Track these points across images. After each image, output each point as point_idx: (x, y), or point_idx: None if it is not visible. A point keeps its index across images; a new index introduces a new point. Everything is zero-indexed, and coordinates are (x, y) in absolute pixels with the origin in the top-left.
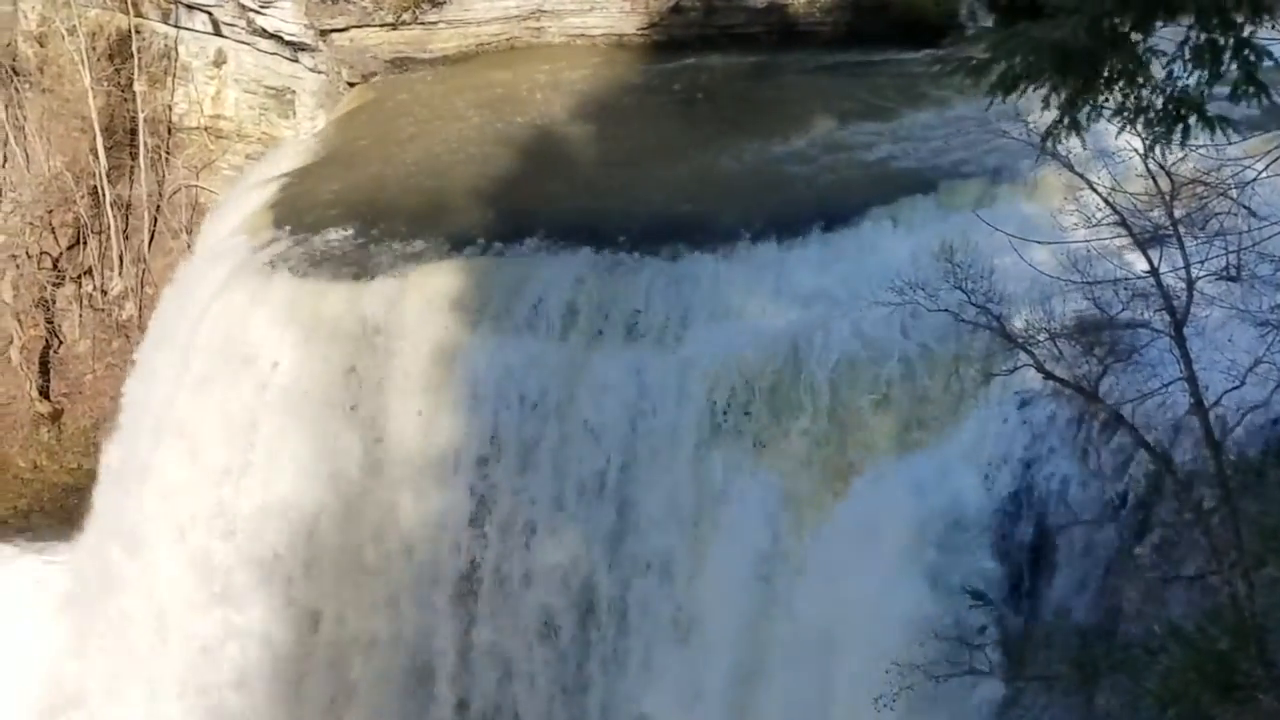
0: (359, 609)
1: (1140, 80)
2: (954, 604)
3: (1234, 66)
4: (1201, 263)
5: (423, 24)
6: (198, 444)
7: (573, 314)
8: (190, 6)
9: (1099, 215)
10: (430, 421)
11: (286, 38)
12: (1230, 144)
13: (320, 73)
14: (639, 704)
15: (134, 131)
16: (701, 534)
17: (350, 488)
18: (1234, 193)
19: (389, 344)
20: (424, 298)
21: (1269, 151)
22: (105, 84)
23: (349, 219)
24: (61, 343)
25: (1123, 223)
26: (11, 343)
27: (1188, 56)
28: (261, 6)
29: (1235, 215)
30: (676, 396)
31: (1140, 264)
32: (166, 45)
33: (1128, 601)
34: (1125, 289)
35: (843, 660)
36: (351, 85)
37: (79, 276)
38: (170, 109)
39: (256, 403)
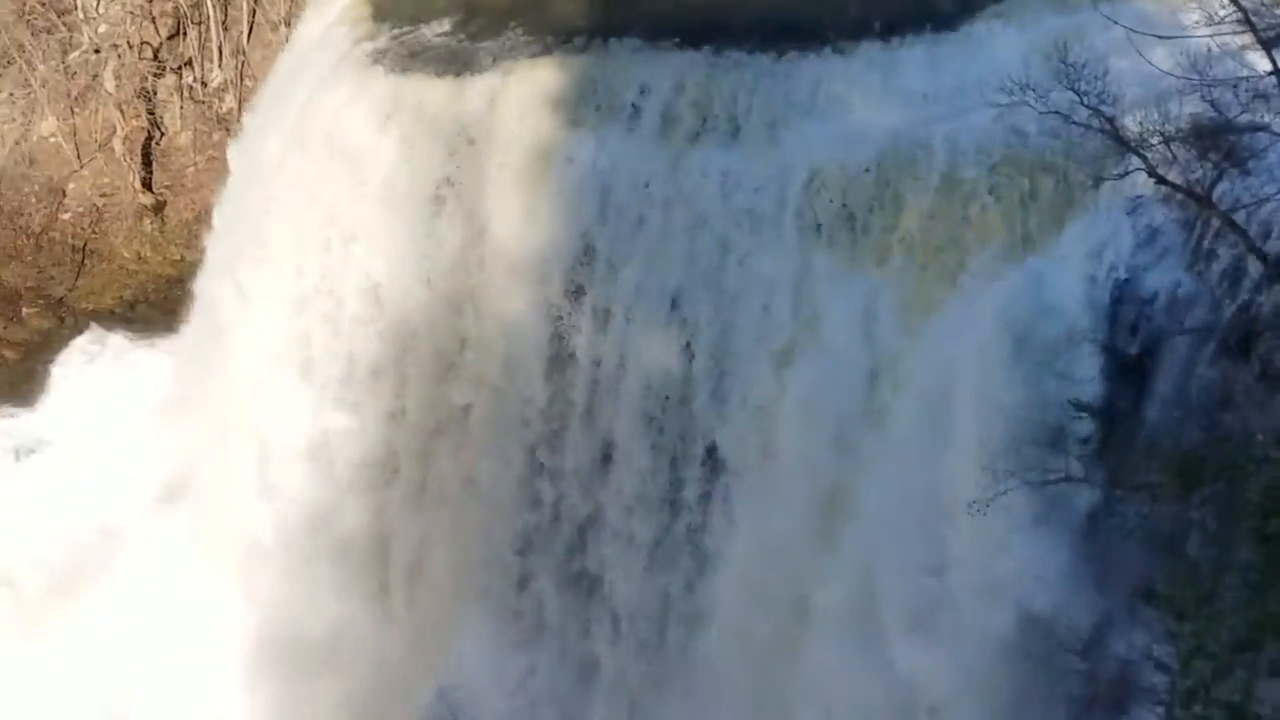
0: (452, 391)
1: None
2: (1055, 411)
3: None
4: None
5: None
6: (297, 238)
7: (674, 112)
8: None
9: (1222, 13)
10: (528, 216)
11: None
12: None
13: None
14: (731, 505)
15: None
16: (800, 333)
17: (446, 281)
18: None
19: (488, 140)
20: (524, 94)
21: None
22: None
23: (449, 12)
24: (163, 135)
25: (1246, 21)
26: (114, 134)
27: None
28: None
29: None
30: (778, 196)
31: (1263, 64)
32: None
33: (1230, 412)
34: (1245, 90)
35: (940, 468)
36: None
37: (179, 68)
38: None
39: (355, 196)
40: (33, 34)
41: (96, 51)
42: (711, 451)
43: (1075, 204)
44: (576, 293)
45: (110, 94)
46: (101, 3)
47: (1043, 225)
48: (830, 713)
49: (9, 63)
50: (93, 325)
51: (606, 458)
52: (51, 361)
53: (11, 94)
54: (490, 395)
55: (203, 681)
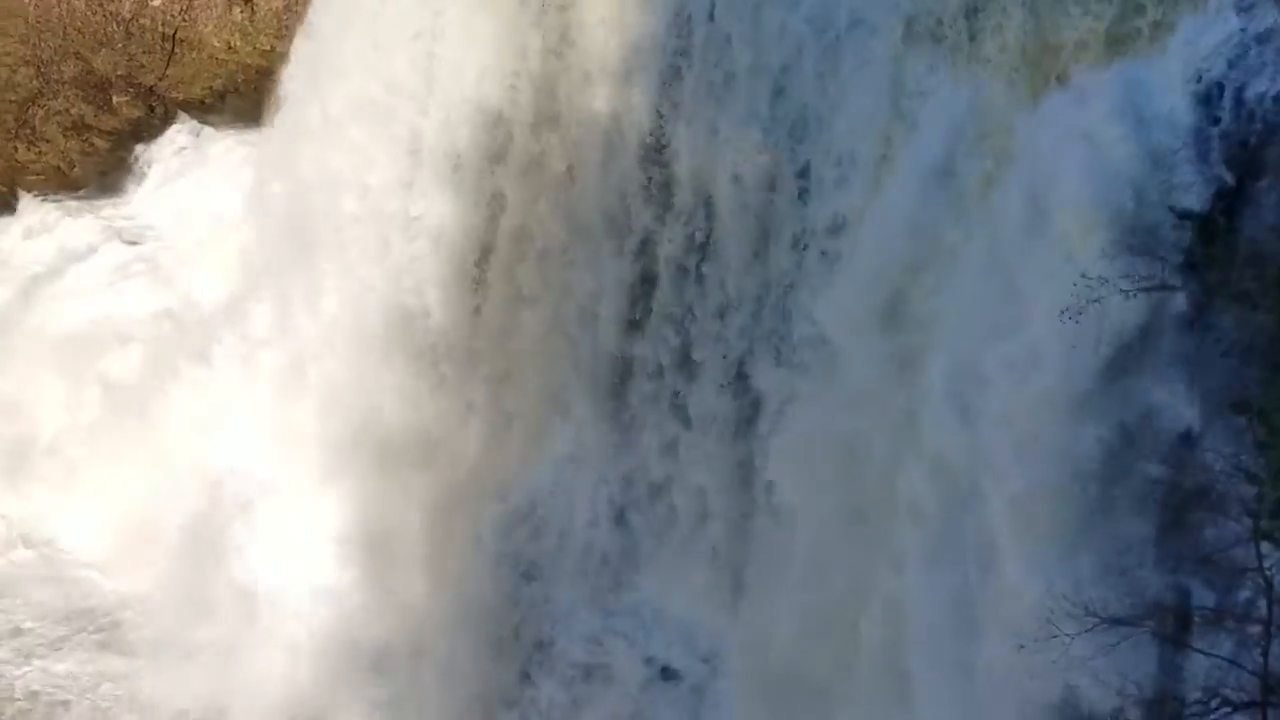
0: (540, 201)
1: None
2: (1153, 218)
3: None
4: None
5: None
6: (382, 33)
7: None
8: None
9: None
10: (619, 17)
11: None
12: None
13: None
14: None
15: None
16: (898, 133)
17: (545, 78)
18: None
19: None
20: None
21: None
22: None
23: None
24: None
25: None
26: None
27: None
28: None
29: None
30: None
31: None
32: None
33: None
34: None
35: (1029, 268)
36: None
37: None
38: None
39: None
40: None
41: None
42: (801, 239)
43: (1184, 5)
44: (673, 79)
45: None
46: None
47: (1148, 25)
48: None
49: None
50: (182, 115)
51: (701, 248)
52: (143, 151)
53: None
54: (585, 188)
55: (287, 471)
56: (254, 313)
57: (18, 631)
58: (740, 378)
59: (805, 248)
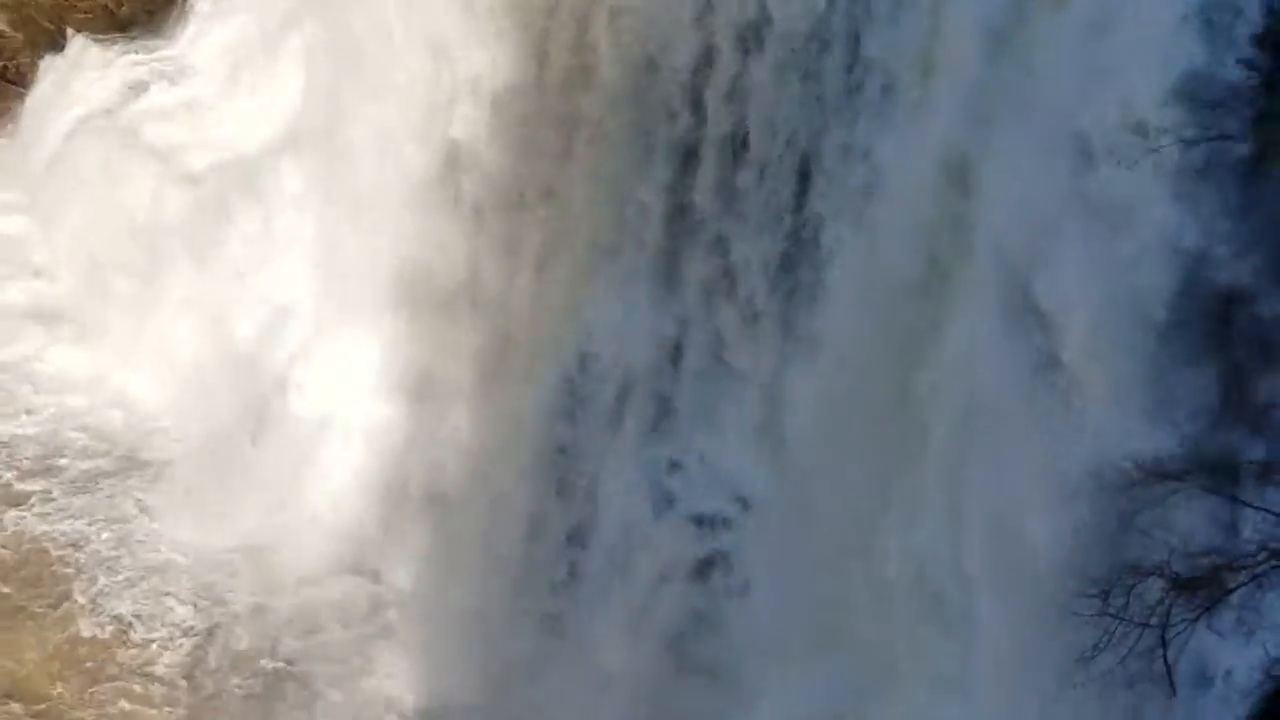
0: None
1: None
2: (1217, 68)
3: None
4: None
5: None
6: None
7: None
8: None
9: None
10: None
11: None
12: None
13: None
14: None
15: None
16: None
17: None
18: None
19: None
20: None
21: None
22: None
23: None
24: None
25: None
26: None
27: None
28: None
29: None
30: None
31: None
32: None
33: None
34: None
35: (1091, 139)
36: None
37: None
38: None
39: None
40: None
41: None
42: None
43: None
44: None
45: None
46: None
47: None
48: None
49: None
50: None
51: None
52: None
53: None
54: (625, 71)
55: (337, 312)
56: (303, 154)
57: (61, 470)
58: (796, 212)
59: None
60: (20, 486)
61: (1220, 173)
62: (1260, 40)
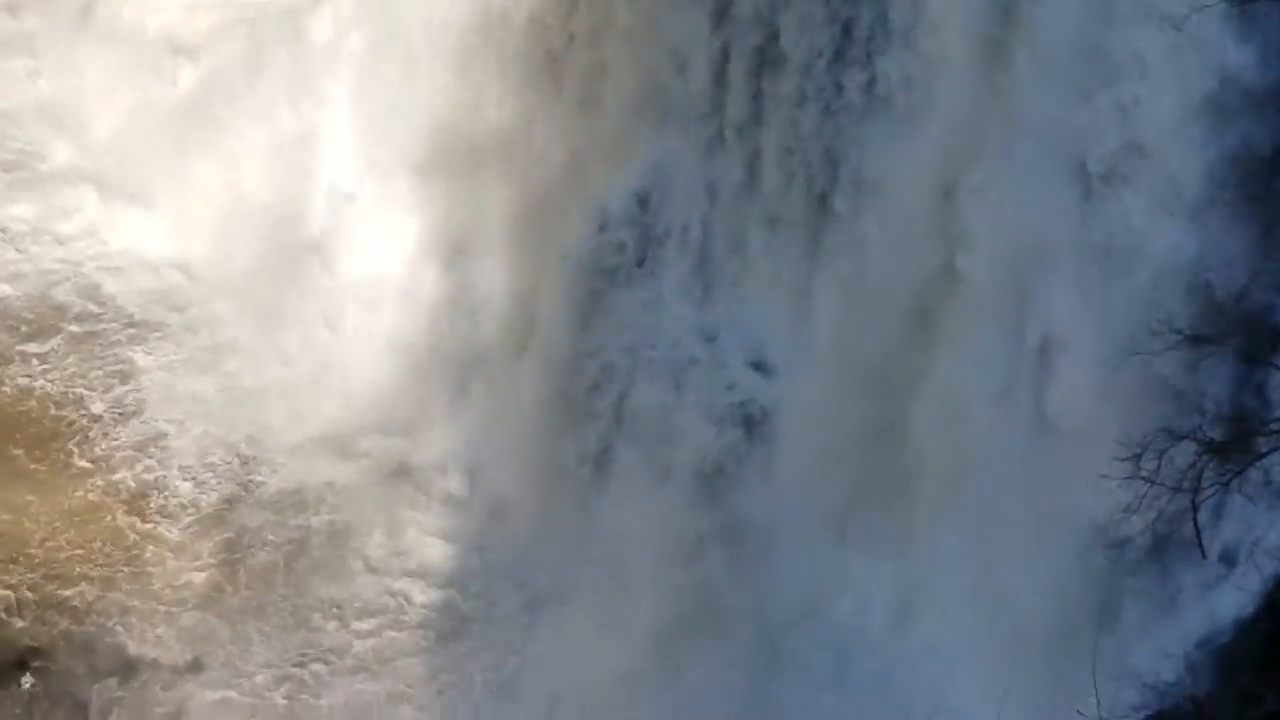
0: None
1: None
2: None
3: None
4: None
5: None
6: None
7: None
8: None
9: None
10: None
11: None
12: None
13: None
14: None
15: None
16: None
17: None
18: None
19: None
20: None
21: None
22: None
23: None
24: None
25: None
26: None
27: None
28: None
29: None
30: None
31: None
32: None
33: None
34: None
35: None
36: None
37: None
38: None
39: None
40: None
41: None
42: None
43: None
44: None
45: None
46: None
47: None
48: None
49: None
50: None
51: None
52: None
53: None
54: None
55: (375, 168)
56: (342, 5)
57: (99, 318)
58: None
59: None
60: (33, 345)
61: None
62: None
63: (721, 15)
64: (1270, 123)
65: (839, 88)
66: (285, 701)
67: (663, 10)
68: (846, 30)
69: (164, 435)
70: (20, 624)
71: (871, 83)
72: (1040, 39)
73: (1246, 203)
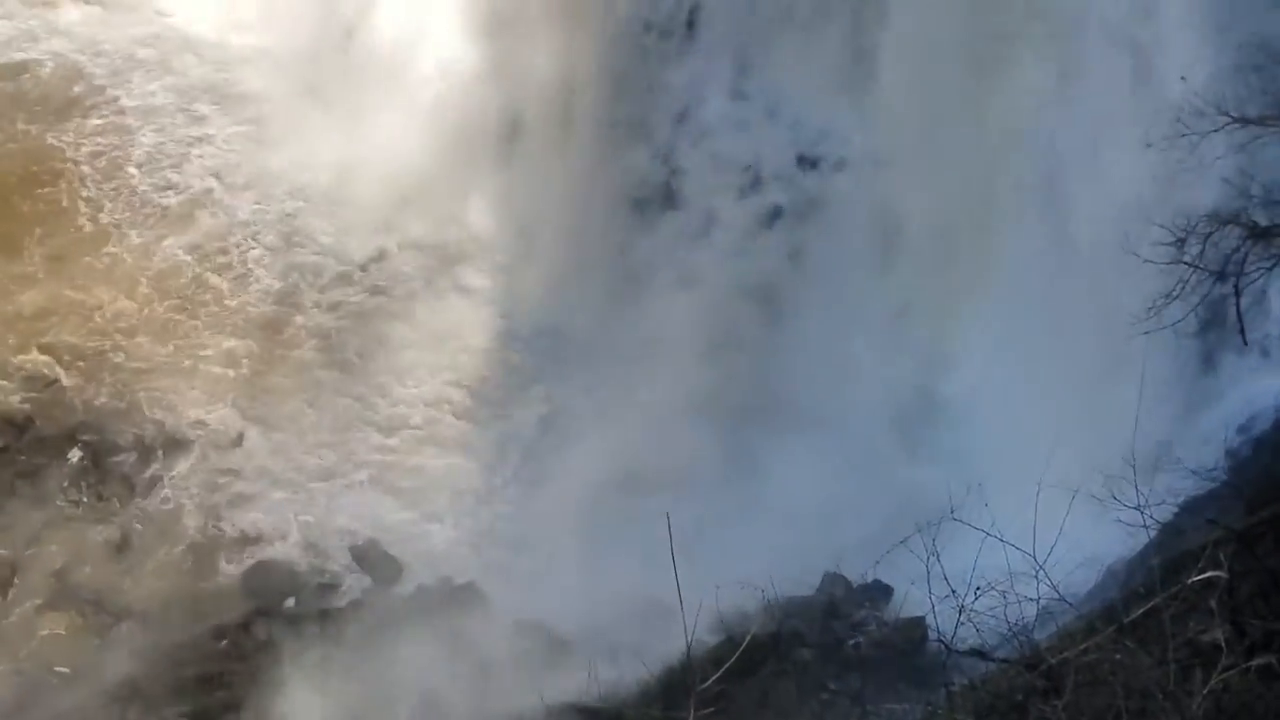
0: None
1: None
2: None
3: None
4: None
5: None
6: None
7: None
8: None
9: None
10: None
11: None
12: None
13: None
14: None
15: None
16: None
17: None
18: None
19: None
20: None
21: None
22: None
23: None
24: None
25: None
26: None
27: None
28: None
29: None
30: None
31: None
32: None
33: None
34: None
35: None
36: None
37: None
38: None
39: None
40: None
41: None
42: None
43: None
44: None
45: None
46: None
47: None
48: None
49: None
50: None
51: None
52: None
53: None
54: None
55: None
56: None
57: (156, 108)
58: None
59: None
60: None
61: None
62: None
63: None
64: None
65: None
66: (324, 482)
67: None
68: None
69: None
70: (72, 385)
71: None
72: None
73: None
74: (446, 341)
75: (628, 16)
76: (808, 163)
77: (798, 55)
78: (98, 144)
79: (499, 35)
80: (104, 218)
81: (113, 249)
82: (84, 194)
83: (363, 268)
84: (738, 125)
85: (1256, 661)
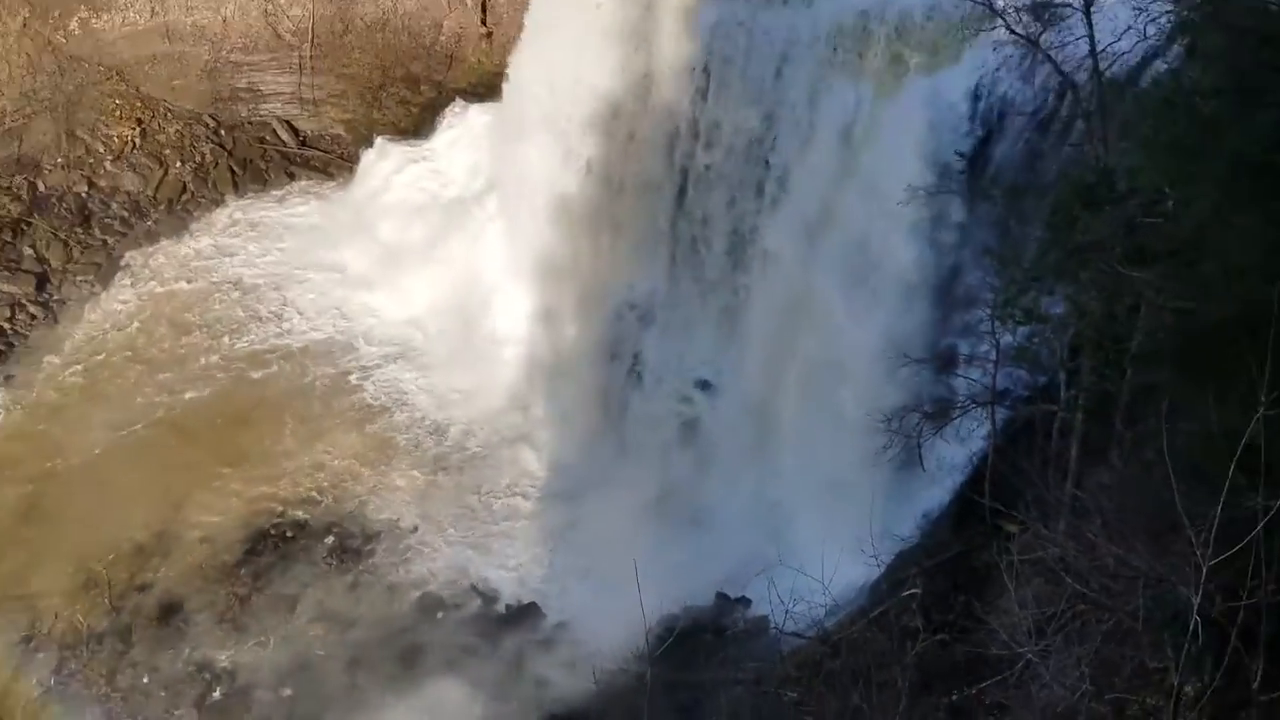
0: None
1: None
2: (946, 154)
3: None
4: None
5: None
6: (558, 56)
7: None
8: None
9: None
10: (678, 44)
11: None
12: None
13: None
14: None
15: None
16: (817, 108)
17: (636, 79)
18: None
19: (660, 3)
20: None
21: None
22: None
23: None
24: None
25: None
26: None
27: None
28: None
29: None
30: (808, 36)
31: None
32: None
33: (1038, 155)
34: None
35: (881, 205)
36: None
37: None
38: None
39: (590, 33)
40: None
41: None
42: (769, 161)
43: (967, 43)
44: (704, 90)
45: None
46: None
47: (946, 56)
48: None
49: None
50: (456, 98)
51: (710, 185)
52: (436, 114)
53: None
54: (652, 140)
55: (508, 278)
56: (489, 196)
57: (367, 364)
58: (735, 236)
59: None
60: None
61: (949, 207)
62: (967, 141)
63: (673, 215)
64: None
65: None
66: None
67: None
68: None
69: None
70: (326, 502)
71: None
72: None
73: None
74: (518, 478)
75: (620, 295)
76: (704, 385)
77: (698, 321)
78: (329, 376)
79: (550, 321)
80: (334, 412)
81: (340, 431)
82: (322, 405)
83: (466, 435)
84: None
85: (938, 637)
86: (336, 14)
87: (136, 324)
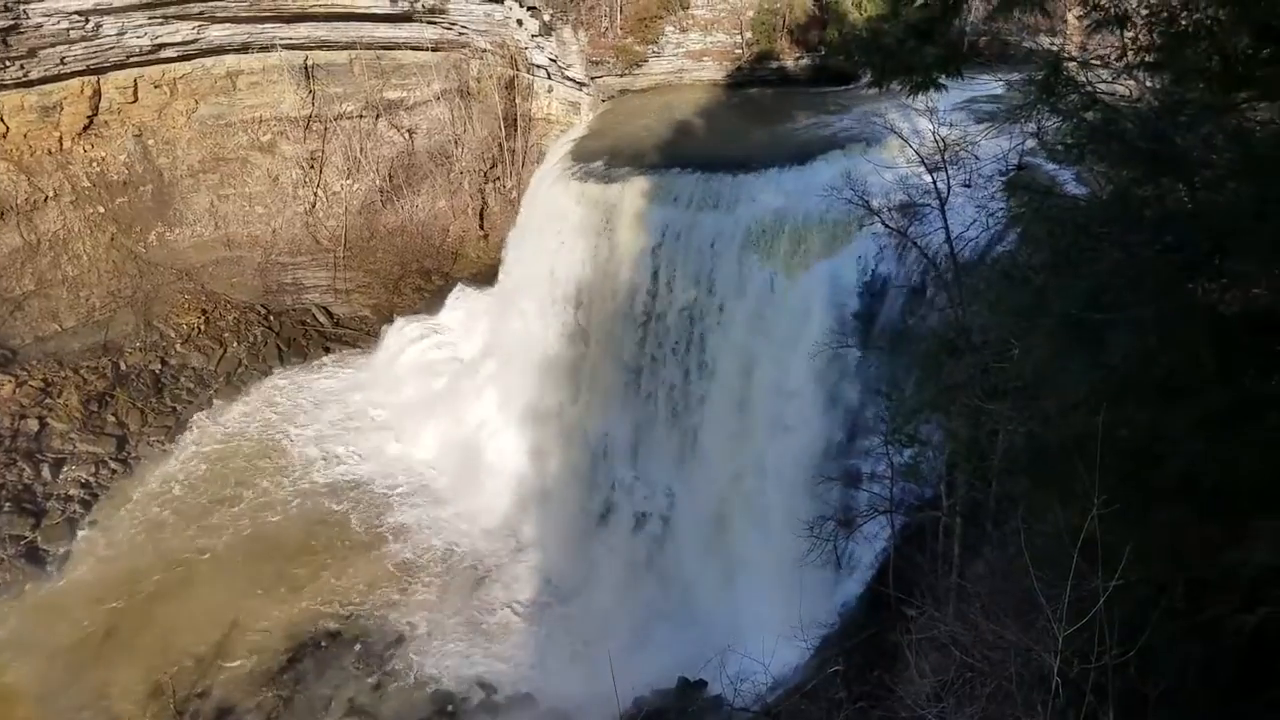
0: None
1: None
2: (845, 318)
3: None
4: (952, 177)
5: (633, 74)
6: (539, 249)
7: (692, 198)
8: (538, 66)
9: (913, 156)
10: (633, 238)
11: (577, 79)
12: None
13: (590, 95)
14: (707, 356)
15: (516, 120)
16: (742, 286)
17: (601, 265)
18: (971, 146)
19: (618, 209)
20: (633, 190)
21: (986, 128)
22: (503, 99)
23: (602, 158)
24: (487, 207)
25: (920, 160)
26: (469, 206)
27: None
28: (565, 69)
29: (972, 154)
30: (733, 231)
31: (927, 178)
32: (530, 81)
33: (911, 315)
34: (920, 189)
35: (795, 357)
36: (603, 101)
37: (495, 180)
38: (530, 110)
39: (564, 231)
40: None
41: (463, 174)
42: (703, 340)
43: (852, 236)
44: (655, 271)
45: (467, 190)
46: (465, 152)
47: (839, 244)
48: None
49: (425, 176)
50: (459, 284)
51: (662, 344)
52: (444, 297)
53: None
54: (617, 319)
55: (501, 422)
56: (488, 359)
57: (399, 496)
58: (684, 381)
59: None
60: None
61: (846, 359)
62: (859, 305)
63: (637, 373)
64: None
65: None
66: (457, 644)
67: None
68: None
69: (409, 534)
70: (354, 614)
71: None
72: None
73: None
74: (513, 583)
75: (595, 433)
76: (669, 493)
77: (660, 453)
78: (360, 509)
79: (539, 457)
80: (363, 540)
81: (367, 556)
82: (353, 534)
83: (468, 554)
84: (637, 487)
85: (858, 705)
86: (364, 224)
87: (198, 474)
